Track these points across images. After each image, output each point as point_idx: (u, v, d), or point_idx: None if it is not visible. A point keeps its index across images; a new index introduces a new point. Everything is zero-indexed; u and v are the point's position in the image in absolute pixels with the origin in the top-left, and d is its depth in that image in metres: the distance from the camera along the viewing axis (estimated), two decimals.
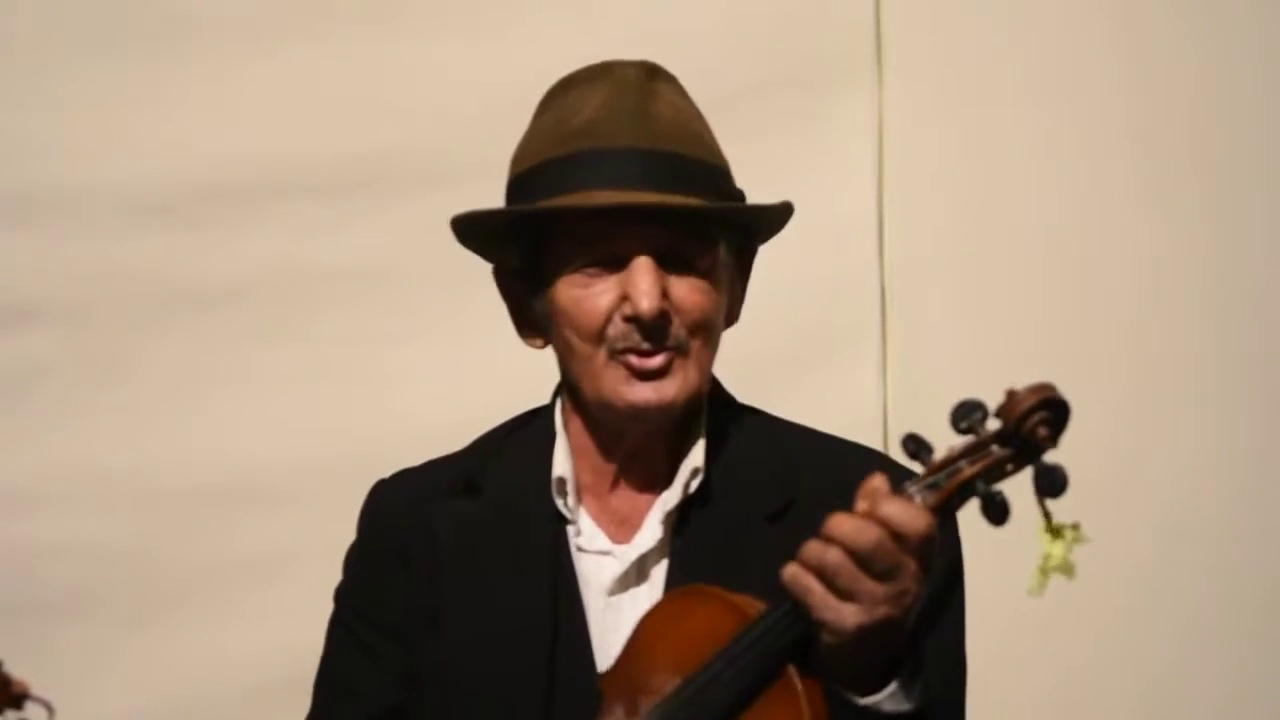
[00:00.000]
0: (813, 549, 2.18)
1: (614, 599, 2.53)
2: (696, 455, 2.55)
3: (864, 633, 2.17)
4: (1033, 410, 2.11)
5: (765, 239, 2.63)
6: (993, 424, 2.13)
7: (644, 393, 2.49)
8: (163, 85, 4.06)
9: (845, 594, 2.17)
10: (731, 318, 2.61)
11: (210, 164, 4.06)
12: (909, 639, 2.22)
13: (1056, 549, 2.11)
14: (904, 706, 2.22)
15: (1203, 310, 4.10)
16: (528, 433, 2.64)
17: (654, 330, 2.48)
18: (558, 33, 4.02)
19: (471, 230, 2.58)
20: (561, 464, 2.57)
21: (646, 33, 4.03)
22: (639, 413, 2.50)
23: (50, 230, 4.02)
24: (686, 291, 2.49)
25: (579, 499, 2.58)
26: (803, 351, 4.08)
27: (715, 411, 2.59)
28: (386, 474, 2.70)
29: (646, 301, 2.46)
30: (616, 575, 2.54)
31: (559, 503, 2.56)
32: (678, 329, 2.49)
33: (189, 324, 4.06)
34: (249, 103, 4.08)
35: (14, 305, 4.03)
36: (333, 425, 4.06)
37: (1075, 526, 2.12)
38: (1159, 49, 4.13)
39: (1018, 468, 2.13)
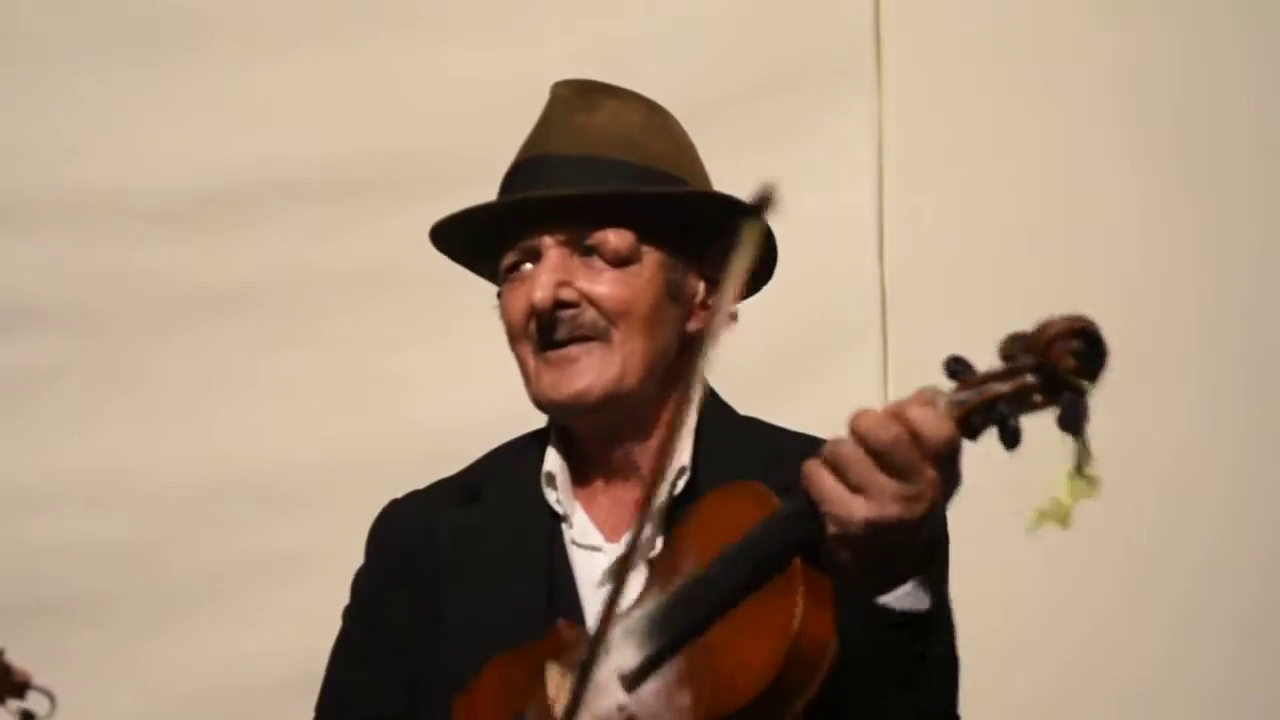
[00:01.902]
0: (832, 444, 2.16)
1: (606, 590, 2.54)
2: (683, 454, 2.59)
3: (873, 529, 2.14)
4: (1061, 335, 2.09)
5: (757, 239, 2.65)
6: (1031, 357, 2.11)
7: (558, 384, 2.56)
8: (169, 91, 4.09)
9: (856, 486, 2.14)
10: (699, 316, 2.63)
11: (217, 169, 4.09)
12: (929, 551, 2.20)
13: (1065, 496, 2.06)
14: (920, 605, 2.20)
15: (1199, 307, 4.11)
16: (529, 447, 2.69)
17: (549, 323, 2.55)
18: (560, 38, 4.05)
19: (444, 250, 2.70)
20: (552, 461, 2.63)
21: (645, 38, 4.06)
22: (557, 406, 2.57)
23: (58, 235, 4.05)
24: (606, 282, 2.56)
25: (572, 495, 2.62)
26: (803, 355, 4.09)
27: (707, 414, 2.63)
28: (393, 476, 2.76)
29: (539, 293, 2.55)
30: (606, 570, 2.57)
31: (550, 496, 2.61)
32: (594, 318, 2.56)
33: (197, 328, 4.08)
34: (255, 108, 4.11)
35: (23, 309, 4.06)
36: (340, 429, 4.08)
37: (1095, 480, 2.07)
38: (1155, 53, 4.14)
39: (1046, 398, 2.10)
